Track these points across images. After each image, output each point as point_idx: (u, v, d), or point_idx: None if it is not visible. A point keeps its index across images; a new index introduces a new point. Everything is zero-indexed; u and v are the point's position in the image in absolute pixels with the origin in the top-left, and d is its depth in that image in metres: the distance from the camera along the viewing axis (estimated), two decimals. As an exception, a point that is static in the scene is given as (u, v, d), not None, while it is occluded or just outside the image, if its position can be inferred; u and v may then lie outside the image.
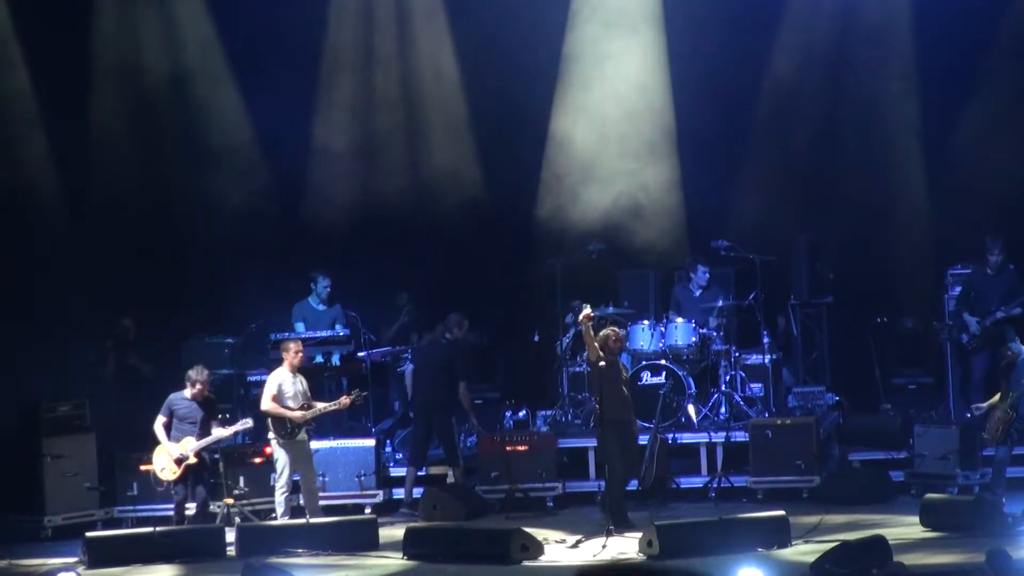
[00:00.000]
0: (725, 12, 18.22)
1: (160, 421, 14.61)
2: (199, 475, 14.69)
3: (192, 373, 14.69)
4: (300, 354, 15.09)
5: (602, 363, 14.35)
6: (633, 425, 14.64)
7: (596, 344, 14.35)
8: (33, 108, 18.15)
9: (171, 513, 15.03)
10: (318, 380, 16.44)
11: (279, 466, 14.84)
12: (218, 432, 14.72)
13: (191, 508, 14.79)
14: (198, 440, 14.56)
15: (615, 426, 14.34)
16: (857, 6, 18.32)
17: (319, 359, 17.06)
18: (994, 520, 13.16)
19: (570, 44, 18.73)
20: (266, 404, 14.90)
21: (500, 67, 18.49)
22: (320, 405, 14.96)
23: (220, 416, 15.00)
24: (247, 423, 14.94)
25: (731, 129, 18.35)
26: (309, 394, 15.07)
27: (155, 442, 14.69)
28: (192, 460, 14.55)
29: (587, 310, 14.33)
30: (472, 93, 19.03)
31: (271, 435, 14.91)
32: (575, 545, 13.66)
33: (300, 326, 17.31)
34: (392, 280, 18.33)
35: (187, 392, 14.66)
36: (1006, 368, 14.78)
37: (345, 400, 15.15)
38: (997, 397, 14.73)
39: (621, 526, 13.85)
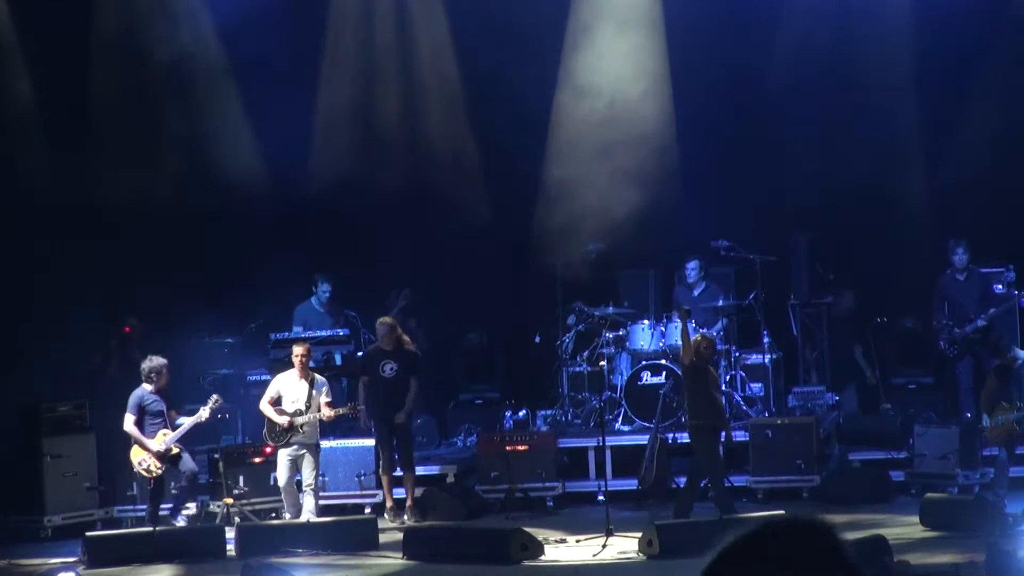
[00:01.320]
0: (725, 11, 18.21)
1: (131, 420, 14.57)
2: (177, 459, 14.68)
3: (151, 364, 14.64)
4: (300, 357, 14.97)
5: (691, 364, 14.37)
6: (718, 431, 14.39)
7: (691, 346, 14.37)
8: (33, 107, 18.15)
9: (169, 513, 15.11)
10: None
11: (277, 468, 14.97)
12: (192, 420, 14.67)
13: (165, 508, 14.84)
14: (172, 431, 14.58)
15: (700, 431, 14.34)
16: (857, 6, 18.32)
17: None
18: (994, 520, 13.16)
19: (570, 39, 18.73)
20: (261, 405, 15.04)
21: (501, 64, 18.47)
22: (307, 416, 14.84)
23: (196, 408, 14.94)
24: (217, 400, 14.86)
25: (731, 128, 18.33)
26: (329, 397, 15.04)
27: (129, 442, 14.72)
28: (175, 451, 14.60)
29: (686, 306, 14.55)
30: (472, 92, 19.03)
31: (264, 434, 15.04)
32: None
33: (298, 331, 17.27)
34: (392, 280, 18.32)
35: (150, 387, 14.62)
36: (1002, 372, 14.77)
37: (330, 413, 14.97)
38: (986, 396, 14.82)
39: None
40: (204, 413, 14.71)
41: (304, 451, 14.88)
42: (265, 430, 15.03)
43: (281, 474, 14.91)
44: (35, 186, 18.10)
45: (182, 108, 18.75)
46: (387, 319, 16.08)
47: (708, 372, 14.48)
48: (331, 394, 15.20)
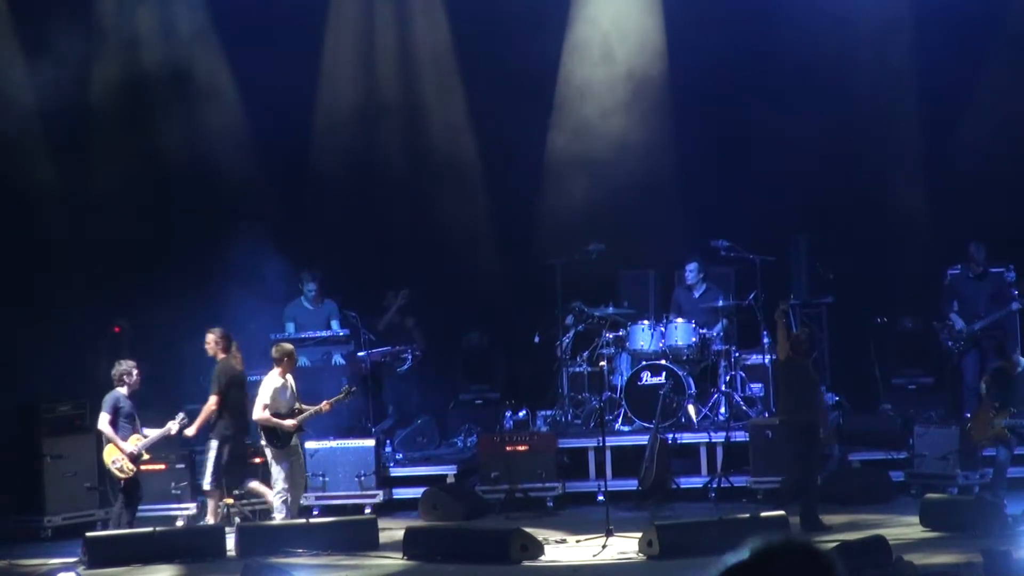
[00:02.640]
0: (727, 10, 18.21)
1: (106, 419, 14.47)
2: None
3: (121, 367, 14.54)
4: (292, 357, 14.91)
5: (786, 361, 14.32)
6: (813, 429, 14.10)
7: (788, 342, 14.30)
8: (32, 105, 18.12)
9: (169, 513, 15.09)
10: (317, 381, 16.38)
11: (275, 473, 14.58)
12: (159, 432, 14.51)
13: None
14: (144, 437, 14.52)
15: (793, 428, 14.26)
16: (857, 6, 18.32)
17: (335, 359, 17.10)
18: (994, 520, 13.16)
19: (570, 38, 18.74)
20: (258, 414, 14.68)
21: (502, 65, 18.48)
22: (308, 411, 14.71)
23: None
24: (183, 418, 14.69)
25: (731, 127, 18.33)
26: (297, 395, 14.96)
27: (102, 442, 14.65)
28: (146, 456, 14.59)
29: (784, 305, 14.50)
30: (474, 92, 19.02)
31: (263, 443, 14.74)
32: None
33: (291, 327, 17.26)
34: (391, 279, 18.32)
35: (124, 389, 14.52)
36: (999, 375, 14.76)
37: (325, 406, 14.83)
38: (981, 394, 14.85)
39: (810, 528, 13.61)
40: (173, 427, 14.52)
41: (298, 451, 14.84)
42: (263, 441, 14.69)
43: (284, 477, 14.54)
44: (35, 185, 18.10)
45: (182, 108, 18.74)
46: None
47: (806, 368, 14.31)
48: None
